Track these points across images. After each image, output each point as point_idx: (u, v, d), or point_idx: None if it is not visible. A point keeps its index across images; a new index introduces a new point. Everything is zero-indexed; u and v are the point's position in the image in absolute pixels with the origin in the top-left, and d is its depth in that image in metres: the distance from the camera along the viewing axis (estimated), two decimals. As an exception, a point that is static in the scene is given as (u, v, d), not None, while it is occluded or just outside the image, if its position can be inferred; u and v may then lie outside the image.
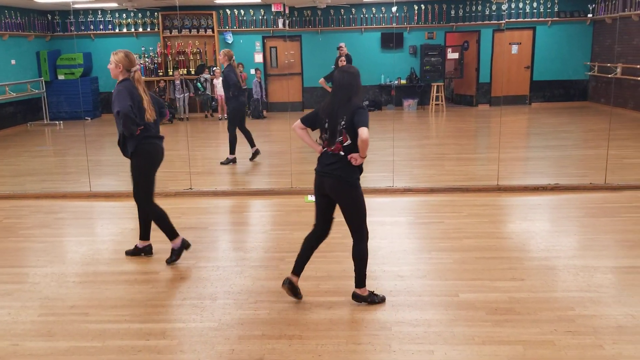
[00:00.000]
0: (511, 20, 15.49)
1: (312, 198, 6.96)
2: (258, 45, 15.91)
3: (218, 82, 14.39)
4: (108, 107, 14.76)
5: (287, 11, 15.35)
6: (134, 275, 4.75)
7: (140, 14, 15.58)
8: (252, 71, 15.47)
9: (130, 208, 6.15)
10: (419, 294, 4.26)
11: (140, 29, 15.68)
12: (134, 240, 5.29)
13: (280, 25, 15.59)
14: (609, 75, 14.12)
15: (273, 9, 15.16)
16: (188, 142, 9.04)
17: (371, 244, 4.69)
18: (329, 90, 9.75)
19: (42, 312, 4.08)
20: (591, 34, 15.47)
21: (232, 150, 9.09)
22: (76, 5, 14.84)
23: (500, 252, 5.08)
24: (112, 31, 15.64)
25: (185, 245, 5.06)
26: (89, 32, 15.60)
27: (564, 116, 13.78)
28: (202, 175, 8.36)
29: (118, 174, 8.43)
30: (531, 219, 6.07)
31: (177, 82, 15.01)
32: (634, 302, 4.04)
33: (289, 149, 9.18)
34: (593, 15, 15.18)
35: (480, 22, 15.59)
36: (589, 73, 15.49)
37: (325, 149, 3.97)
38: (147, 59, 15.62)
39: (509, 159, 8.78)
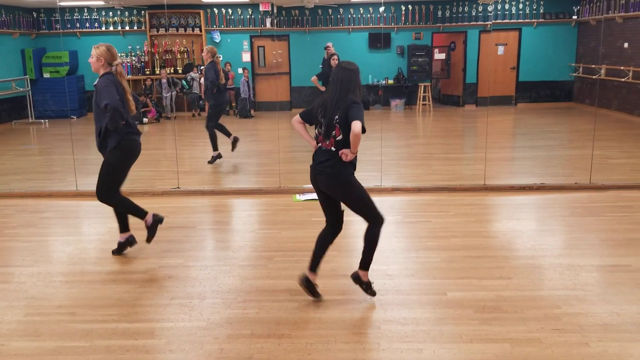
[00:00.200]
0: (497, 21, 15.60)
1: (300, 197, 6.97)
2: (246, 44, 15.90)
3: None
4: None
5: (275, 10, 15.34)
6: (121, 275, 4.73)
7: (127, 12, 15.50)
8: (240, 70, 15.43)
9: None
10: (407, 293, 4.28)
11: (127, 27, 15.60)
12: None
13: (268, 25, 15.58)
14: (594, 77, 14.27)
15: (261, 8, 15.17)
16: (176, 141, 8.99)
17: (360, 244, 4.71)
18: (321, 88, 9.83)
19: (28, 312, 4.05)
20: (576, 35, 15.62)
21: (215, 147, 9.02)
22: (62, 3, 14.74)
23: (487, 251, 5.12)
24: (99, 29, 15.54)
25: (157, 219, 5.07)
26: (75, 30, 15.49)
27: (549, 117, 13.89)
28: (189, 174, 8.33)
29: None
30: (517, 218, 6.12)
31: (164, 81, 14.94)
32: (618, 300, 4.09)
33: (277, 148, 9.17)
34: (578, 17, 15.33)
35: (467, 23, 15.69)
36: (574, 74, 15.64)
37: (319, 144, 3.96)
38: (134, 58, 15.54)
39: (496, 159, 8.83)
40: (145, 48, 15.52)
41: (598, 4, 14.27)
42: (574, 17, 15.38)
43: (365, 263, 4.11)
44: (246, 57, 15.89)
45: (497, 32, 15.77)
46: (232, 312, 4.00)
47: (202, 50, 15.19)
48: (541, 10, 15.49)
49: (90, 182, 7.75)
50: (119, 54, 15.31)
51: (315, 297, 4.16)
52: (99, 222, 6.23)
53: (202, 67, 14.66)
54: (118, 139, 4.72)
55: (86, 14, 15.44)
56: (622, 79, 13.03)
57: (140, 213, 5.03)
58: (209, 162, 9.01)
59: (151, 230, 5.06)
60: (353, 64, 3.96)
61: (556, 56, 15.75)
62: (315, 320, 3.88)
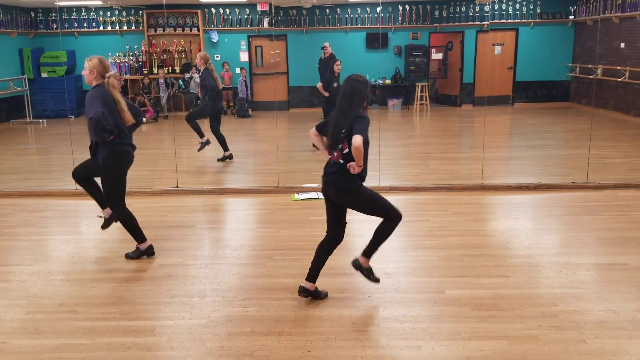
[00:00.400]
0: (494, 21, 15.64)
1: (298, 196, 7.00)
2: (243, 44, 15.90)
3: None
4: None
5: (272, 10, 15.35)
6: (122, 274, 4.75)
7: (124, 12, 15.50)
8: (238, 70, 15.46)
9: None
10: (405, 291, 4.31)
11: (125, 27, 15.59)
12: (120, 239, 5.28)
13: (266, 25, 15.60)
14: (590, 77, 14.33)
15: (258, 8, 15.17)
16: (175, 141, 9.02)
17: (358, 242, 4.76)
18: (325, 94, 9.85)
19: (29, 310, 4.07)
20: (573, 35, 15.67)
21: (225, 147, 9.10)
22: (60, 3, 14.73)
23: (485, 250, 5.15)
24: (97, 29, 15.52)
25: (149, 251, 5.07)
26: (72, 29, 15.48)
27: (546, 116, 13.94)
28: (188, 173, 8.36)
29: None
30: (515, 217, 6.16)
31: (161, 80, 14.96)
32: (615, 298, 4.13)
33: (275, 147, 9.21)
34: (574, 17, 15.37)
35: (464, 23, 15.73)
36: (571, 74, 15.69)
37: (330, 156, 4.01)
38: (131, 57, 15.55)
39: (493, 159, 8.88)
40: (143, 48, 15.52)
41: (595, 4, 14.32)
42: (571, 17, 15.43)
43: (369, 251, 4.14)
44: (244, 57, 15.90)
45: (494, 32, 15.82)
46: (232, 310, 4.03)
47: (200, 50, 15.26)
48: (538, 10, 15.54)
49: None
50: (117, 53, 15.41)
51: (319, 298, 4.19)
52: (98, 221, 6.22)
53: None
54: (109, 150, 4.74)
55: (84, 14, 15.43)
56: (619, 79, 13.08)
57: (140, 238, 5.04)
58: (219, 160, 9.13)
59: (136, 254, 5.04)
60: (361, 77, 3.98)
61: (553, 56, 15.80)
62: (314, 318, 3.91)
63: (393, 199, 6.88)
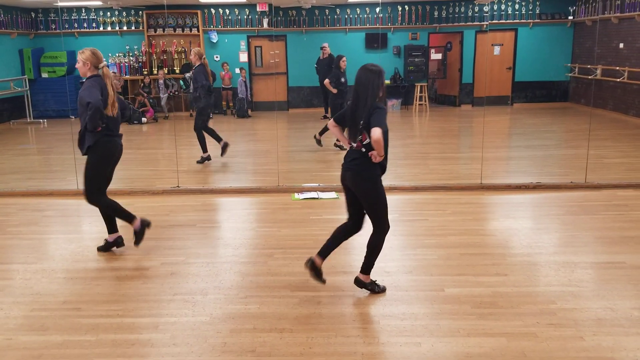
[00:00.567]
0: (493, 21, 15.69)
1: (298, 196, 7.04)
2: (243, 44, 15.95)
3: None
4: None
5: (272, 11, 15.39)
6: (124, 272, 4.80)
7: (124, 13, 15.54)
8: (237, 70, 15.50)
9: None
10: (405, 289, 4.36)
11: (125, 28, 15.64)
12: (123, 238, 5.32)
13: (266, 25, 15.65)
14: (589, 77, 14.38)
15: (258, 9, 15.21)
16: (175, 140, 9.06)
17: (358, 241, 4.81)
18: (333, 91, 9.91)
19: (34, 308, 4.12)
20: (572, 36, 15.72)
21: (204, 149, 9.07)
22: (60, 3, 14.76)
23: (484, 249, 5.20)
24: (97, 29, 15.58)
25: (145, 223, 5.17)
26: (73, 30, 15.53)
27: (545, 116, 14.00)
28: (188, 173, 8.40)
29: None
30: (514, 216, 6.20)
31: (161, 81, 15.00)
32: (612, 296, 4.18)
33: (274, 147, 9.26)
34: (574, 18, 15.43)
35: (463, 24, 15.78)
36: (570, 74, 15.75)
37: (350, 145, 4.07)
38: (131, 58, 15.59)
39: (492, 159, 8.93)
40: (143, 48, 15.57)
41: (594, 4, 14.38)
42: (570, 17, 15.48)
43: (366, 268, 4.25)
44: (243, 57, 15.94)
45: (493, 32, 15.87)
46: (234, 308, 4.08)
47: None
48: (537, 11, 15.59)
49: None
50: (117, 54, 15.45)
51: (320, 281, 4.26)
52: (100, 220, 6.24)
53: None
54: (94, 139, 4.80)
55: (84, 14, 15.48)
56: (618, 79, 13.14)
57: (129, 217, 5.12)
58: (198, 162, 9.07)
59: (139, 235, 5.15)
60: (376, 66, 4.00)
61: (552, 56, 15.85)
62: (315, 315, 3.96)
63: (393, 198, 6.95)
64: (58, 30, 15.45)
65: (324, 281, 4.28)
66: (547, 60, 15.87)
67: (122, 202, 5.28)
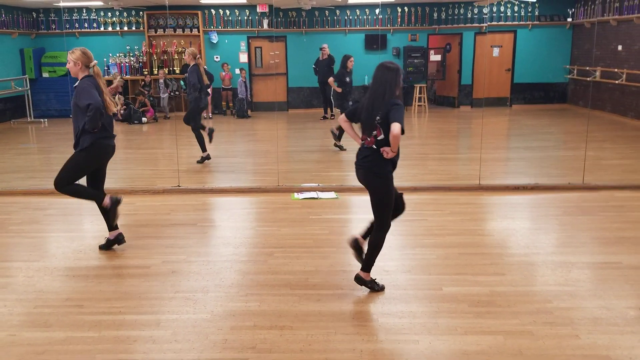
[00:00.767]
0: (493, 23, 15.75)
1: (298, 196, 7.09)
2: (243, 45, 16.00)
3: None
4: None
5: (272, 12, 15.44)
6: (126, 270, 4.85)
7: (125, 13, 15.59)
8: (237, 71, 15.55)
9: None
10: (404, 288, 4.41)
11: (126, 28, 15.67)
12: (125, 237, 5.37)
13: (266, 26, 15.70)
14: (588, 79, 14.44)
15: (258, 10, 15.26)
16: (176, 140, 9.11)
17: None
18: (338, 90, 9.93)
19: (37, 305, 4.16)
20: (570, 37, 15.78)
21: (203, 149, 9.12)
22: (62, 4, 14.80)
23: (482, 249, 5.25)
24: (97, 29, 15.62)
25: (115, 200, 5.16)
26: (74, 30, 15.57)
27: (543, 118, 14.05)
28: (189, 172, 8.45)
29: (107, 170, 8.47)
30: (512, 217, 6.26)
31: (161, 81, 15.05)
32: (608, 296, 4.23)
33: (274, 148, 9.31)
34: (572, 20, 15.49)
35: (463, 25, 15.84)
36: (569, 76, 15.81)
37: (362, 142, 4.14)
38: (132, 58, 15.64)
39: (491, 159, 8.98)
40: (143, 48, 15.61)
41: (592, 6, 14.44)
42: (569, 19, 15.54)
43: (367, 266, 4.31)
44: (243, 57, 15.99)
45: (493, 34, 15.93)
46: (234, 305, 4.13)
47: (200, 51, 15.37)
48: (536, 13, 15.65)
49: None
50: (118, 54, 15.49)
51: (360, 260, 4.36)
52: (101, 219, 6.31)
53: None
54: (91, 140, 4.86)
55: (85, 15, 15.52)
56: (616, 81, 13.19)
57: (97, 197, 5.14)
58: (198, 162, 9.12)
59: (112, 212, 5.15)
60: (394, 64, 4.09)
61: (551, 58, 15.91)
62: (315, 313, 4.01)
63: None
64: (59, 30, 15.49)
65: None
66: (546, 62, 15.93)
67: (124, 201, 5.34)
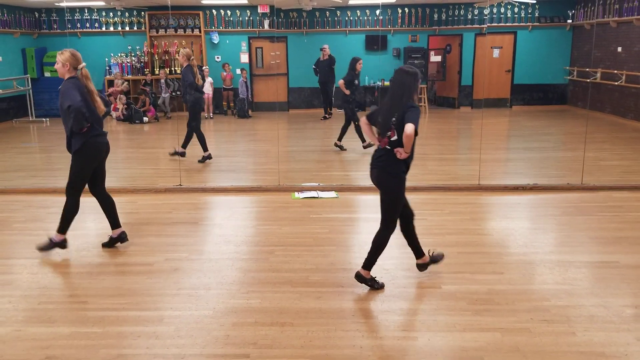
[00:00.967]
0: (493, 24, 15.80)
1: (298, 195, 7.15)
2: (244, 45, 16.05)
3: (207, 81, 14.46)
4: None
5: (273, 12, 15.50)
6: (129, 267, 4.91)
7: (127, 13, 15.64)
8: (238, 71, 15.60)
9: (121, 203, 6.26)
10: (403, 286, 4.47)
11: (127, 28, 15.73)
12: (127, 235, 5.43)
13: (266, 26, 15.75)
14: (588, 80, 14.49)
15: (259, 10, 15.32)
16: (178, 140, 9.17)
17: (358, 240, 4.92)
18: (346, 92, 9.97)
19: (41, 301, 4.22)
20: (570, 39, 15.83)
21: (205, 148, 9.18)
22: (64, 3, 14.86)
23: (480, 248, 5.31)
24: (99, 29, 15.67)
25: (64, 244, 5.22)
26: (75, 30, 15.63)
27: (543, 119, 14.10)
28: (190, 172, 8.50)
29: (109, 170, 8.52)
30: (511, 217, 6.31)
31: (162, 81, 15.11)
32: (605, 294, 4.29)
33: (275, 147, 9.36)
34: (572, 21, 15.54)
35: (463, 26, 15.89)
36: (568, 77, 15.86)
37: (379, 143, 4.25)
38: (133, 58, 15.70)
39: (490, 160, 9.03)
40: (145, 49, 15.68)
41: (592, 8, 14.49)
42: (569, 21, 15.59)
43: (368, 263, 4.37)
44: (244, 58, 16.05)
45: (493, 35, 15.97)
46: (236, 302, 4.19)
47: (201, 52, 15.44)
48: (536, 14, 15.70)
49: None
50: (119, 54, 15.55)
51: (439, 259, 4.67)
52: (104, 217, 6.38)
53: (204, 68, 14.92)
54: (82, 141, 4.92)
55: (87, 15, 15.58)
56: (616, 83, 13.24)
57: (64, 229, 5.18)
58: (199, 161, 9.17)
59: (49, 247, 5.18)
60: (413, 69, 4.22)
61: (551, 59, 15.96)
62: (315, 310, 4.06)
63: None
64: (61, 30, 15.54)
65: (441, 255, 4.66)
66: (546, 63, 15.98)
67: (126, 200, 5.41)
